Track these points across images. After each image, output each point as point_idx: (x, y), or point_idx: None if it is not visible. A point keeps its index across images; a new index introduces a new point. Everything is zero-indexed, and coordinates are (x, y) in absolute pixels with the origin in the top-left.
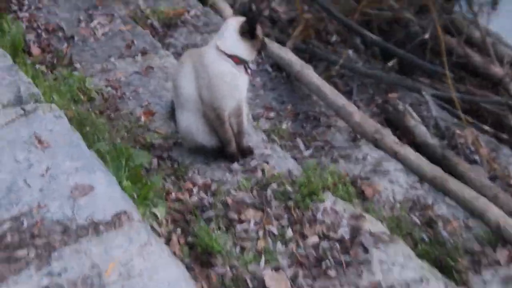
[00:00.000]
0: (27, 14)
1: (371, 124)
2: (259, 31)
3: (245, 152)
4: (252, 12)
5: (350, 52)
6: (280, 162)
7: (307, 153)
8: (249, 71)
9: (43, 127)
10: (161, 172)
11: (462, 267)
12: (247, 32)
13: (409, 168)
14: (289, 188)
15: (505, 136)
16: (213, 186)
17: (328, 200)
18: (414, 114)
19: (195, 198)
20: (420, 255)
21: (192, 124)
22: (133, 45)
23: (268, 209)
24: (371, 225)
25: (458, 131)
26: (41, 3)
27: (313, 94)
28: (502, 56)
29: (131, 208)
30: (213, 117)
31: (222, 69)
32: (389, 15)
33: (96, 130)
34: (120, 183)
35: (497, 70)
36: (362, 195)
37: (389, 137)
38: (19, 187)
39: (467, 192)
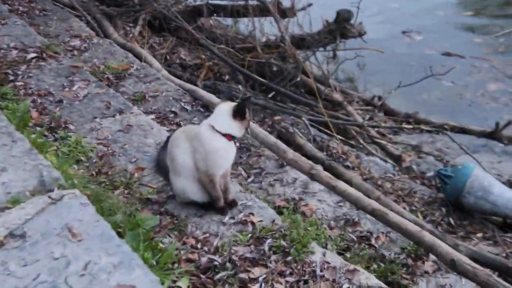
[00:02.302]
0: (22, 83)
1: (305, 162)
2: (247, 113)
3: (231, 205)
4: (244, 99)
5: (240, 86)
6: (262, 212)
7: (249, 179)
8: (237, 143)
9: (72, 217)
10: (164, 228)
11: (406, 281)
12: (238, 115)
13: (347, 199)
14: (283, 243)
15: (353, 143)
16: (214, 242)
17: (318, 252)
18: (301, 134)
19: (205, 259)
20: (377, 276)
21: (186, 186)
22: (111, 106)
23: (270, 265)
24: (366, 278)
25: (331, 144)
26: (31, 72)
27: None
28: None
29: None
30: (207, 181)
31: (218, 145)
32: (262, 62)
33: (111, 204)
34: (140, 253)
35: (337, 96)
36: (302, 215)
37: (322, 173)
38: None
39: (409, 225)
